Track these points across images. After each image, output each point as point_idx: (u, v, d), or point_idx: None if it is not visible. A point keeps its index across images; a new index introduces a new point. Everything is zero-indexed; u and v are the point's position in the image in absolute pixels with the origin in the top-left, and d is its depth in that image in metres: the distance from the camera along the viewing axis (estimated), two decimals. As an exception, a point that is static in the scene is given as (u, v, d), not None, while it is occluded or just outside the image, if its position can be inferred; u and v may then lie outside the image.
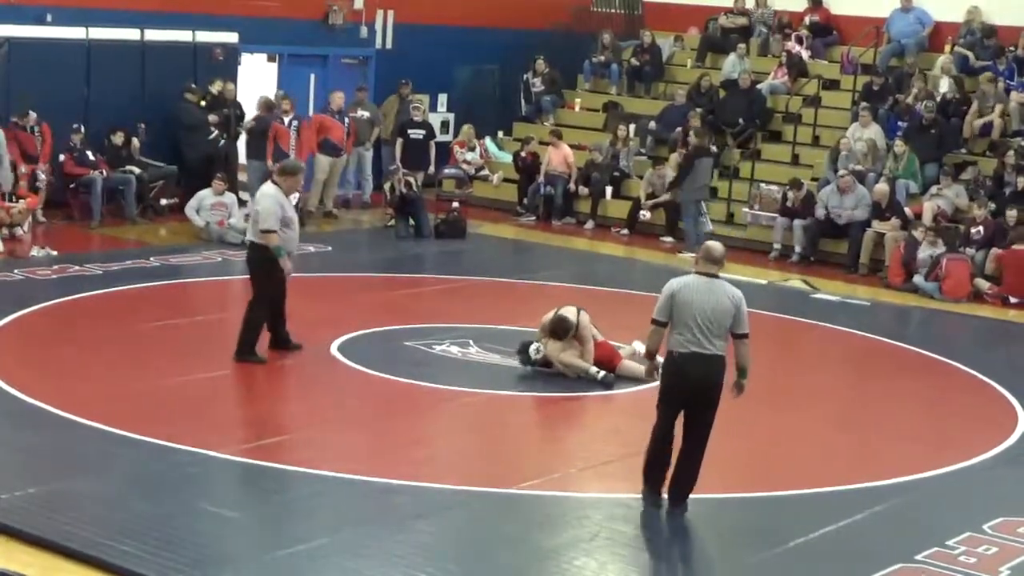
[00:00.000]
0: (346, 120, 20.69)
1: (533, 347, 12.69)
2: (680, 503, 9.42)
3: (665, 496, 9.47)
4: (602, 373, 12.48)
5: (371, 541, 8.60)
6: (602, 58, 24.13)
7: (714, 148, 20.92)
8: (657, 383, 9.54)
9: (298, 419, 11.43)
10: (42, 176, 18.07)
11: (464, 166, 22.43)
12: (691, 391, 9.27)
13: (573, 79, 24.60)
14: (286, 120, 19.61)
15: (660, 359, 9.57)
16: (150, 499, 8.98)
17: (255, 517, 9.00)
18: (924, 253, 17.72)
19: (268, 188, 12.55)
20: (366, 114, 21.54)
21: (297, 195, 18.76)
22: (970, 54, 21.80)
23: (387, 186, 19.90)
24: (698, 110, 21.98)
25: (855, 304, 16.92)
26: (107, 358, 12.44)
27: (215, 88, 19.98)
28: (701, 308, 9.16)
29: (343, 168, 21.01)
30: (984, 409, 12.55)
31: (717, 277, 9.34)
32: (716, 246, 9.49)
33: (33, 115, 18.16)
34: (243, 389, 11.89)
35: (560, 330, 12.59)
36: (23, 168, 17.82)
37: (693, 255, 19.48)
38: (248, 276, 12.70)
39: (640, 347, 12.96)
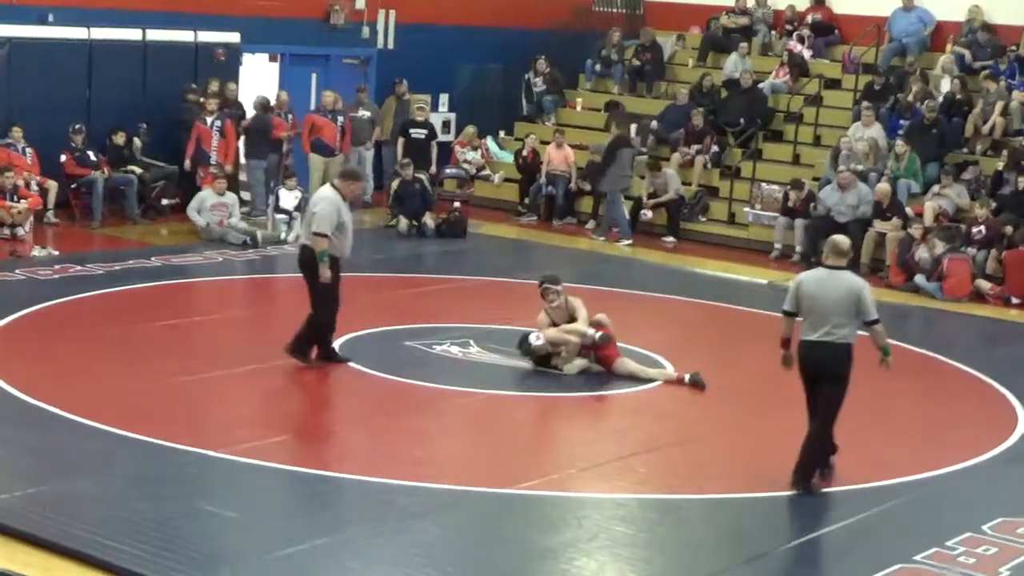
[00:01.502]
0: (339, 119, 20.58)
1: (533, 335, 12.73)
2: (805, 481, 9.89)
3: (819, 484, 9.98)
4: (600, 334, 12.59)
5: (371, 541, 8.61)
6: (612, 56, 24.07)
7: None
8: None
9: (298, 419, 11.43)
10: (35, 186, 18.03)
11: (465, 166, 22.44)
12: (816, 374, 9.95)
13: (574, 79, 24.61)
14: (208, 120, 19.20)
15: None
16: (150, 499, 8.99)
17: (255, 517, 8.99)
18: (923, 253, 17.71)
19: (327, 191, 12.35)
20: (367, 114, 21.54)
21: (299, 194, 18.97)
22: (966, 53, 21.78)
23: (395, 184, 19.91)
24: (700, 109, 21.99)
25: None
26: (107, 358, 12.44)
27: (212, 88, 19.95)
28: (822, 299, 9.81)
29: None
30: (984, 409, 12.54)
31: (843, 269, 9.98)
32: (842, 240, 10.24)
33: (19, 132, 18.12)
34: (243, 389, 11.89)
35: (550, 278, 12.85)
36: (20, 180, 17.76)
37: (629, 243, 19.93)
38: (304, 278, 12.42)
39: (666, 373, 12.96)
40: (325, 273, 12.09)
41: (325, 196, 12.24)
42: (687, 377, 12.53)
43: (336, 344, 12.99)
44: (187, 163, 19.21)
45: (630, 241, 20.07)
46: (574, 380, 12.54)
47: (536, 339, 12.73)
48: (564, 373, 12.69)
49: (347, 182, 12.42)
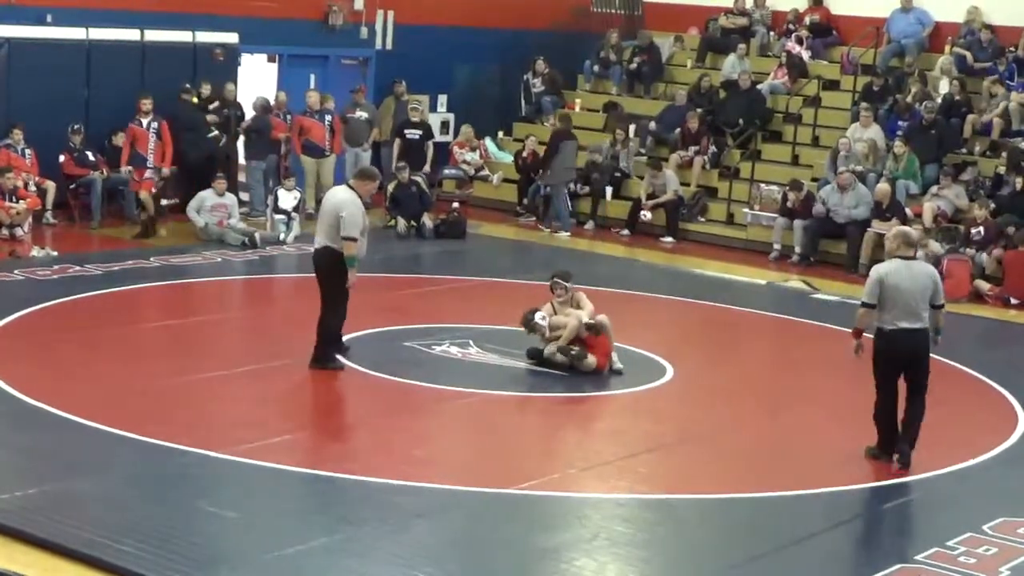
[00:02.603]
0: (327, 119, 20.51)
1: (539, 315, 12.81)
2: (908, 446, 10.52)
3: (895, 455, 10.54)
4: (592, 321, 12.68)
5: (371, 541, 8.60)
6: (611, 56, 24.07)
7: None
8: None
9: (298, 419, 11.42)
10: (33, 186, 17.97)
11: (464, 166, 22.43)
12: (903, 361, 10.52)
13: (573, 79, 24.61)
14: (144, 122, 18.69)
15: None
16: (150, 499, 8.99)
17: (255, 517, 8.98)
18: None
19: (348, 194, 12.22)
20: (364, 115, 21.51)
21: (297, 194, 18.96)
22: (967, 54, 21.80)
23: (391, 186, 19.90)
24: (697, 112, 21.99)
25: (855, 304, 16.83)
26: (107, 358, 12.44)
27: (205, 89, 19.94)
28: (908, 289, 10.37)
29: (337, 168, 20.89)
30: (984, 409, 12.55)
31: (915, 259, 10.62)
32: (912, 231, 10.98)
33: (20, 134, 18.07)
34: (243, 389, 11.87)
35: (561, 274, 13.16)
36: (19, 181, 17.70)
37: (568, 234, 20.28)
38: (318, 279, 12.35)
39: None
40: (354, 276, 12.10)
41: (349, 199, 12.13)
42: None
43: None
44: (123, 168, 18.60)
45: (568, 233, 20.46)
46: (574, 380, 12.53)
47: (542, 319, 12.79)
48: (550, 357, 12.68)
49: (362, 181, 12.44)
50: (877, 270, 10.54)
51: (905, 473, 10.49)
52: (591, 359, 12.63)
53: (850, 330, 15.26)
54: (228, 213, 18.34)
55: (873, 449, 10.75)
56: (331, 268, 12.15)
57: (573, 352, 12.62)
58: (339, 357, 12.48)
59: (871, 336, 10.67)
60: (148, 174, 18.55)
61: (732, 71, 22.85)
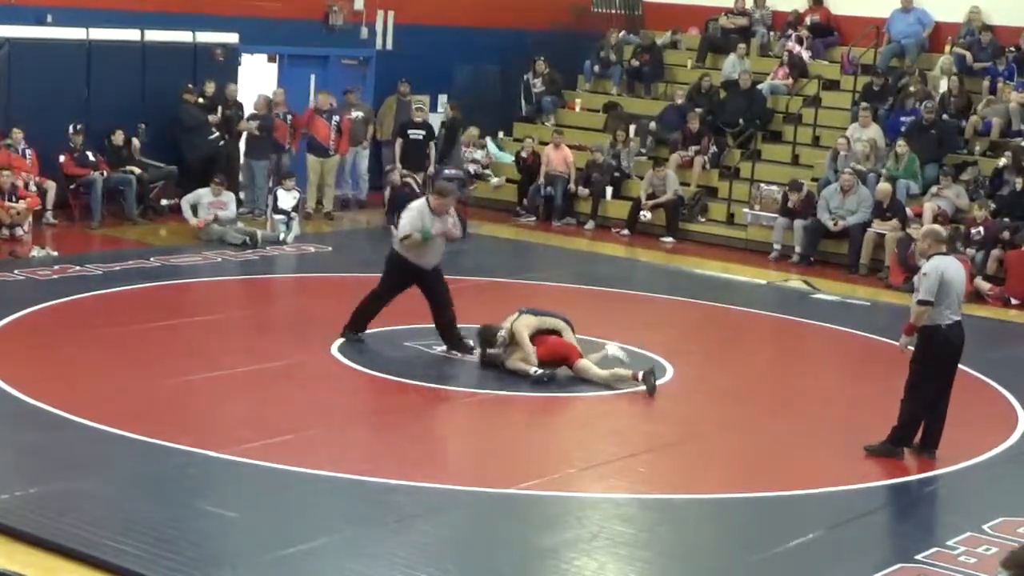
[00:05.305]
0: (334, 119, 20.54)
1: (500, 334, 12.73)
2: (934, 450, 10.80)
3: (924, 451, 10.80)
4: (537, 371, 12.40)
5: (371, 541, 8.60)
6: (611, 57, 24.07)
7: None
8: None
9: (298, 419, 11.39)
10: (33, 186, 17.92)
11: (471, 165, 22.40)
12: (957, 355, 10.63)
13: (573, 79, 24.61)
14: None
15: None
16: (150, 499, 8.98)
17: (255, 517, 8.99)
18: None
19: (418, 202, 13.32)
20: (360, 114, 21.52)
21: (297, 194, 18.96)
22: (967, 54, 21.80)
23: (387, 193, 19.89)
24: (697, 112, 21.99)
25: (855, 304, 16.92)
26: (107, 358, 12.43)
27: (208, 89, 19.94)
28: (960, 281, 10.60)
29: (339, 168, 20.89)
30: (984, 409, 12.53)
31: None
32: (940, 228, 11.16)
33: (20, 134, 18.00)
34: (243, 389, 11.88)
35: (486, 338, 12.73)
36: (19, 180, 17.63)
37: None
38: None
39: (614, 350, 12.86)
40: (417, 235, 12.84)
41: (412, 207, 13.21)
42: (640, 374, 12.28)
43: (336, 344, 13.04)
44: None
45: None
46: (573, 380, 12.53)
47: (501, 348, 12.70)
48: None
49: (436, 197, 13.19)
50: (936, 267, 10.42)
51: (906, 472, 10.50)
52: (532, 370, 12.47)
53: (849, 330, 15.44)
54: (225, 209, 18.31)
55: (877, 447, 10.77)
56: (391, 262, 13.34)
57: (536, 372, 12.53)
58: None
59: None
60: None
61: (732, 71, 22.85)
